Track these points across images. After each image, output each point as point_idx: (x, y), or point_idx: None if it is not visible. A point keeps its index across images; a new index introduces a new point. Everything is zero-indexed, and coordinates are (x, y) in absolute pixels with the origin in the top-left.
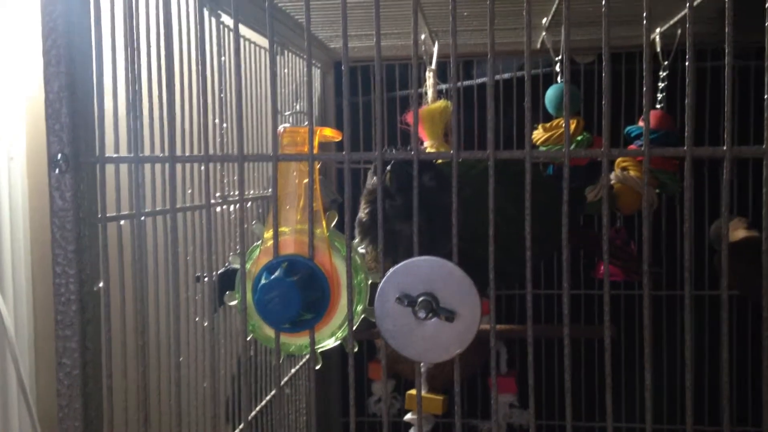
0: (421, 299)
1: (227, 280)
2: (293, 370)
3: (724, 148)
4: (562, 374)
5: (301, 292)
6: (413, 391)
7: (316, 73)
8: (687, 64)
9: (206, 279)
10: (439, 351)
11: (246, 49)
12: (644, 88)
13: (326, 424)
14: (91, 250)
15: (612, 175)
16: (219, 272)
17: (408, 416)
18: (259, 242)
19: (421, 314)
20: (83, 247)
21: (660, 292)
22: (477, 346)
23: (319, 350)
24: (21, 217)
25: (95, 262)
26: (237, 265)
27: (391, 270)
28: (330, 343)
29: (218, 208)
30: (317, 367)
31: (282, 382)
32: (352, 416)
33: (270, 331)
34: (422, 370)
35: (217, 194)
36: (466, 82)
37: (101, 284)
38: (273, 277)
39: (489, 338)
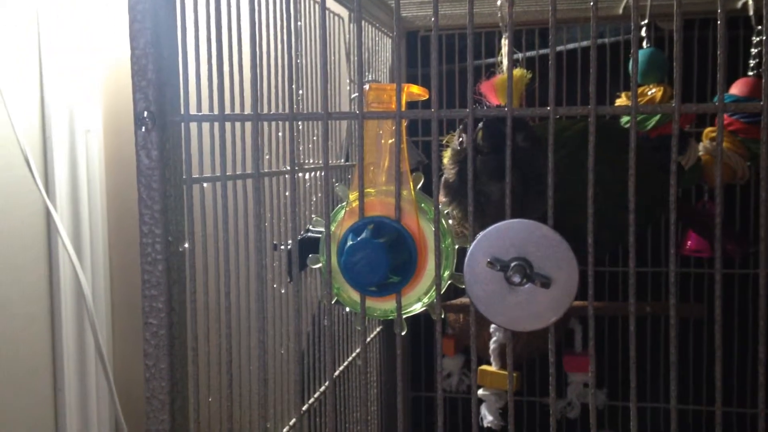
0: (514, 264)
1: (307, 246)
2: (368, 339)
3: None
4: (649, 353)
5: (387, 255)
6: (486, 367)
7: (387, 42)
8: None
9: (283, 247)
10: (533, 318)
11: (317, 15)
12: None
13: (393, 398)
14: (176, 210)
15: (700, 146)
16: (299, 238)
17: (480, 392)
18: (344, 204)
19: (516, 279)
20: (169, 208)
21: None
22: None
23: (404, 316)
24: (98, 190)
25: (180, 223)
26: (318, 229)
27: (482, 233)
28: (416, 308)
29: (298, 175)
30: (402, 333)
31: (354, 353)
32: (438, 383)
33: (355, 295)
34: (493, 346)
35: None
36: (543, 51)
37: (186, 245)
38: (360, 238)
39: (565, 314)
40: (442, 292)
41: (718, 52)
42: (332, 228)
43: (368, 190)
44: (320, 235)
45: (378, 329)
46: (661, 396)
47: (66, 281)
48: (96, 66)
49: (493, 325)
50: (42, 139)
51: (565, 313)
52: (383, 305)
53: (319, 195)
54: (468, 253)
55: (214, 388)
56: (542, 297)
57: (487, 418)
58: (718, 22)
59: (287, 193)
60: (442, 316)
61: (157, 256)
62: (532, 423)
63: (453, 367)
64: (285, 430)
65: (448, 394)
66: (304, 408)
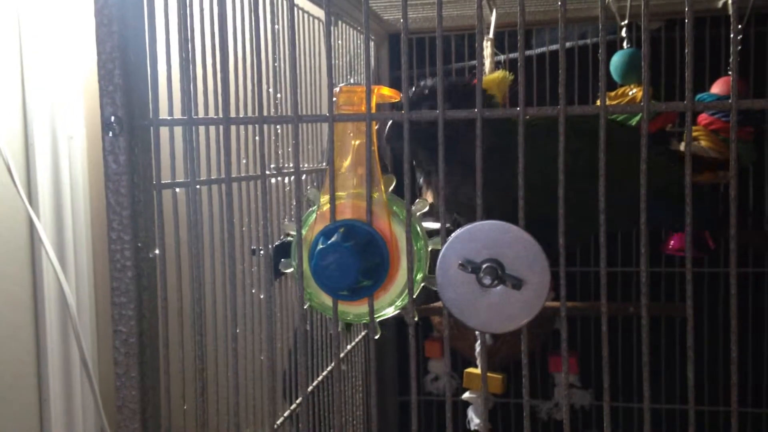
0: (485, 265)
1: (283, 252)
2: (349, 347)
3: None
4: (626, 353)
5: (359, 258)
6: (472, 370)
7: (370, 44)
8: (731, 28)
9: (262, 252)
10: (505, 321)
11: (299, 18)
12: (684, 53)
13: (382, 402)
14: (146, 216)
15: (682, 146)
16: (275, 244)
17: (466, 395)
18: (315, 208)
19: (486, 281)
20: (138, 213)
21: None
22: (536, 323)
23: (377, 319)
24: (81, 196)
25: (150, 228)
26: (292, 232)
27: (453, 235)
28: (389, 312)
29: (273, 180)
30: (376, 337)
31: (339, 356)
32: (413, 390)
33: (327, 299)
34: (478, 349)
35: (272, 165)
36: (525, 52)
37: (157, 251)
38: (330, 242)
39: (549, 315)
40: (415, 295)
41: (686, 51)
42: (303, 232)
43: (339, 193)
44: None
45: (363, 333)
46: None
47: (50, 289)
48: (78, 71)
49: None
50: (24, 145)
51: (550, 313)
52: (356, 309)
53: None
54: (440, 256)
55: (189, 396)
56: (514, 299)
57: (474, 420)
58: (686, 21)
59: (258, 197)
60: (416, 319)
61: (126, 263)
62: (519, 425)
63: (440, 370)
64: None
65: (436, 397)
66: (286, 414)
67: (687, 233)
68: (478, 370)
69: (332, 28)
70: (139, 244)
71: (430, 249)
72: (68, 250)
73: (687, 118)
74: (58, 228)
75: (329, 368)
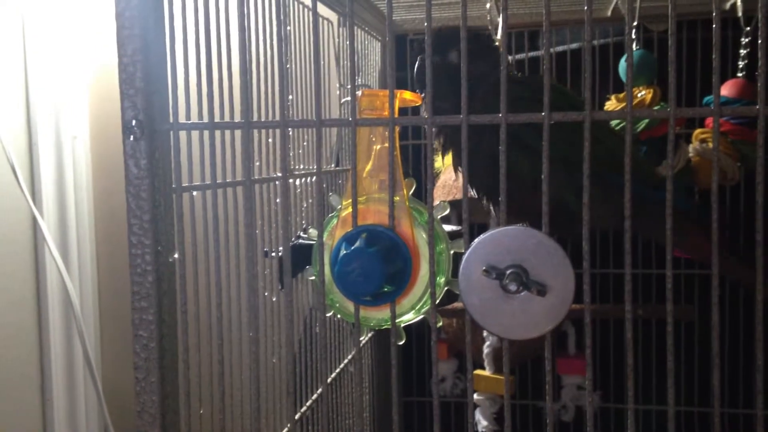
0: (510, 271)
1: (298, 254)
2: (355, 350)
3: None
4: (640, 355)
5: (382, 264)
6: (480, 372)
7: (376, 45)
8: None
9: (274, 254)
10: (529, 327)
11: (307, 18)
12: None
13: (387, 404)
14: (166, 220)
15: (690, 148)
16: (290, 245)
17: (475, 396)
18: (335, 212)
19: (511, 287)
20: (159, 217)
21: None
22: None
23: (400, 325)
24: (85, 196)
25: (170, 233)
26: (310, 238)
27: (477, 240)
28: (410, 316)
29: (289, 181)
30: (400, 343)
31: (346, 359)
32: (435, 392)
33: (349, 305)
34: (487, 350)
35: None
36: (532, 53)
37: (177, 255)
38: (353, 248)
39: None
40: (438, 300)
41: (713, 56)
42: (324, 237)
43: (360, 198)
44: (312, 242)
45: (369, 335)
46: (654, 398)
47: (53, 289)
48: (82, 71)
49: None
50: (28, 145)
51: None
52: (378, 314)
53: (310, 201)
54: (463, 261)
55: (206, 400)
56: (538, 305)
57: (482, 423)
58: (713, 26)
59: (278, 200)
60: (440, 324)
61: (146, 267)
62: (525, 426)
63: (446, 371)
64: None
65: (442, 398)
66: (297, 416)
67: (714, 235)
68: (486, 372)
69: (341, 29)
70: (159, 248)
71: (452, 252)
72: (72, 249)
73: (715, 123)
74: (62, 227)
75: (338, 370)
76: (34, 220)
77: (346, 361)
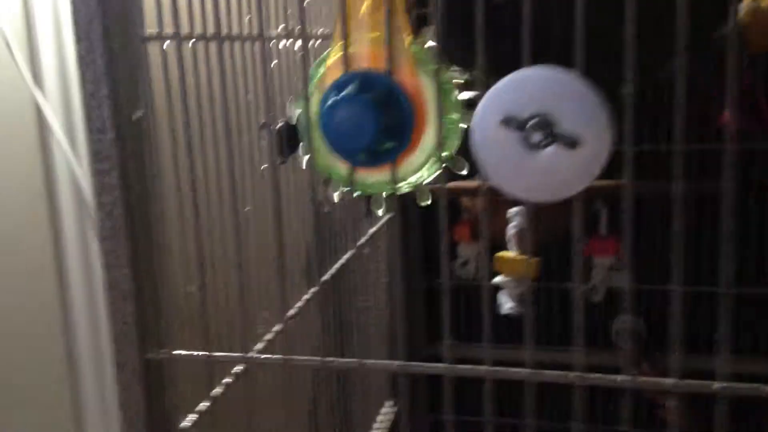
0: (533, 121)
1: (292, 134)
2: (373, 229)
3: None
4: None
5: (377, 112)
6: (503, 253)
7: None
8: None
9: (271, 127)
10: (556, 187)
11: None
12: None
13: (407, 288)
14: (126, 71)
15: (740, 6)
16: (282, 123)
17: (498, 279)
18: (323, 57)
19: (535, 138)
20: (115, 66)
21: None
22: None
23: (401, 191)
24: None
25: (133, 86)
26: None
27: (493, 88)
28: (414, 179)
29: (281, 43)
30: (426, 203)
31: (362, 240)
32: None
33: (344, 167)
34: (512, 231)
35: (281, 26)
36: None
37: (141, 113)
38: (342, 94)
39: (591, 195)
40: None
41: None
42: (311, 89)
43: (354, 40)
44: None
45: (388, 215)
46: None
47: (63, 179)
48: None
49: (512, 209)
50: (26, 25)
51: (589, 193)
52: (376, 177)
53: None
54: (477, 112)
55: (187, 274)
56: (567, 161)
57: (507, 305)
58: None
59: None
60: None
61: (104, 122)
62: (549, 308)
63: (470, 254)
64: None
65: (465, 282)
66: (307, 296)
67: None
68: (509, 253)
69: None
70: (119, 103)
71: (466, 127)
72: (78, 133)
73: None
74: (67, 111)
75: (352, 251)
76: (37, 103)
77: (362, 240)
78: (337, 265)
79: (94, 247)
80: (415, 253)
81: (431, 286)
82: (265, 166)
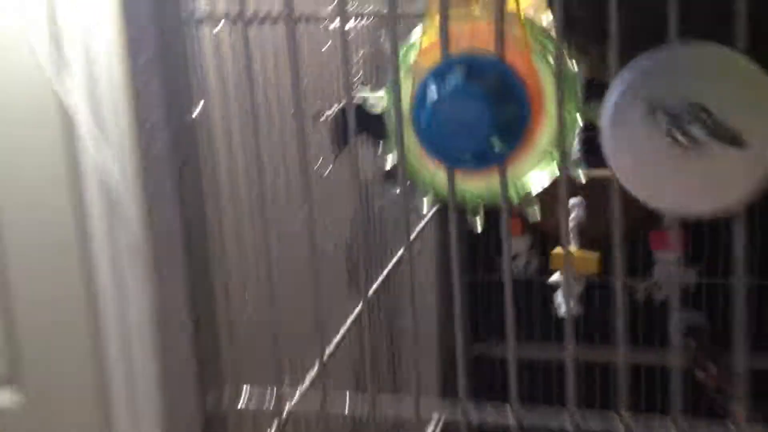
0: (687, 111)
1: (358, 117)
2: (419, 226)
3: None
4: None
5: (491, 107)
6: (561, 250)
7: None
8: None
9: (328, 113)
10: (711, 195)
11: None
12: None
13: (449, 284)
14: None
15: None
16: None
17: (555, 277)
18: (414, 41)
19: (696, 132)
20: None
21: None
22: None
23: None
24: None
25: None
26: (368, 95)
27: (629, 67)
28: (521, 185)
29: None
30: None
31: (413, 236)
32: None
33: (433, 171)
34: (571, 225)
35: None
36: None
37: (200, 106)
38: (448, 86)
39: None
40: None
41: None
42: (401, 76)
43: (455, 11)
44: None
45: (434, 209)
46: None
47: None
48: None
49: (570, 200)
50: None
51: None
52: (474, 185)
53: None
54: (610, 99)
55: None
56: (728, 162)
57: (564, 306)
58: None
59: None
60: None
61: (158, 123)
62: (607, 306)
63: (520, 248)
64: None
65: (513, 277)
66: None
67: None
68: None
69: None
70: (171, 100)
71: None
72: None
73: None
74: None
75: (402, 250)
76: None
77: (412, 237)
78: (389, 266)
79: (123, 241)
80: (460, 248)
81: (473, 281)
82: (322, 160)
